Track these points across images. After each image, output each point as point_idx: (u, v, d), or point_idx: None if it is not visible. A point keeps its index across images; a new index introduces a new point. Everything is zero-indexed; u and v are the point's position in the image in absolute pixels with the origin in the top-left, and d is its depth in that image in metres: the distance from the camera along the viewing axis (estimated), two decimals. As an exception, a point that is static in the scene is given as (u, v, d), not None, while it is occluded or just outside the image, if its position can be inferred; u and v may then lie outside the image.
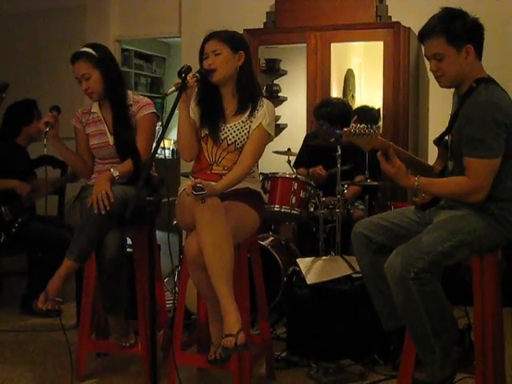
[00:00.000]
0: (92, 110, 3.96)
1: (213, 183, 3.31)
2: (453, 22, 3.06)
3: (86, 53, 3.83)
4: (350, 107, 5.61)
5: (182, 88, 3.25)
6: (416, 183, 3.08)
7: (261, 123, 3.43)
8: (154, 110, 3.93)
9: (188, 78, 3.27)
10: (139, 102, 3.93)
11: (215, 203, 3.16)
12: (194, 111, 3.52)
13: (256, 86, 3.55)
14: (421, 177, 3.11)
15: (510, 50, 5.96)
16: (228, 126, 3.47)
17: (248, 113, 3.46)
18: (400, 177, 3.11)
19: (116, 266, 3.61)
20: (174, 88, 3.28)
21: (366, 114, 5.62)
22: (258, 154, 3.48)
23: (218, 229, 3.11)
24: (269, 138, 3.51)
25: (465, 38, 3.06)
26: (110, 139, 3.87)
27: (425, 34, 3.14)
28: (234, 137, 3.45)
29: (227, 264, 3.11)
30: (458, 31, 3.06)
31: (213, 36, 3.45)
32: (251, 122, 3.45)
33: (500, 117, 2.96)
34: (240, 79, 3.48)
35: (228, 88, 3.50)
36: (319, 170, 5.22)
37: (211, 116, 3.48)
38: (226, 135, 3.46)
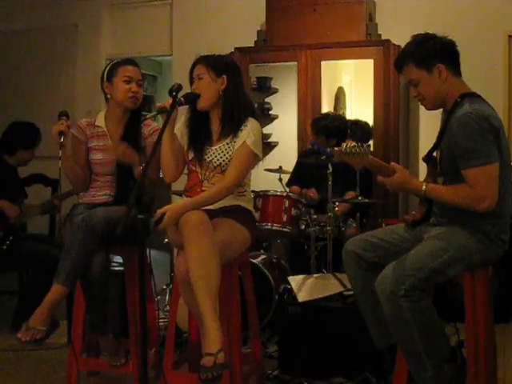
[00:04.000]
0: (96, 124, 3.91)
1: (185, 200, 3.42)
2: (418, 47, 3.17)
3: None
4: (347, 122, 5.63)
5: (170, 110, 3.29)
6: (424, 187, 3.10)
7: (245, 141, 3.42)
8: None
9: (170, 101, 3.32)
10: (150, 126, 3.94)
11: (202, 221, 3.18)
12: (182, 134, 3.56)
13: (242, 108, 3.52)
14: (428, 182, 3.14)
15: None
16: (213, 148, 3.49)
17: (232, 134, 3.46)
18: (407, 180, 3.13)
19: (99, 286, 3.60)
20: (154, 112, 3.37)
21: (358, 127, 5.67)
22: (242, 172, 3.44)
23: (203, 246, 3.12)
24: (255, 159, 3.49)
25: (433, 59, 3.14)
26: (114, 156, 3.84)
27: (397, 63, 3.28)
28: (218, 159, 3.46)
29: (212, 280, 3.10)
30: (424, 54, 3.15)
31: (199, 61, 3.52)
32: (235, 142, 3.45)
33: (486, 124, 2.99)
34: (224, 103, 3.50)
35: (214, 111, 3.53)
36: (311, 193, 5.24)
37: (197, 139, 3.51)
38: (210, 158, 3.47)
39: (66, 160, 3.74)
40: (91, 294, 3.63)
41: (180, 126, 3.57)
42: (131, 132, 3.88)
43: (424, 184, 3.11)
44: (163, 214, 3.19)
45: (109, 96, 3.89)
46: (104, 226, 3.53)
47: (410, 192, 3.24)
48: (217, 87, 3.48)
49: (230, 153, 3.44)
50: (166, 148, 3.48)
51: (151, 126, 3.94)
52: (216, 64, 3.49)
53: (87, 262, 3.53)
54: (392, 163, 3.19)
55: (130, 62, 3.93)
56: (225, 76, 3.49)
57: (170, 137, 3.47)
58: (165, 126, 3.25)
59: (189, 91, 3.48)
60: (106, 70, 3.90)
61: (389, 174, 3.17)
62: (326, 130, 5.31)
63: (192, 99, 3.46)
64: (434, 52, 3.14)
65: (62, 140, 3.62)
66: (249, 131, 3.43)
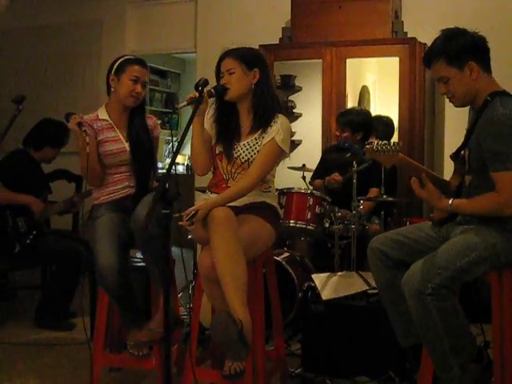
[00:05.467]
0: (101, 117, 3.89)
1: (212, 197, 3.38)
2: (449, 43, 3.10)
3: None
4: (372, 116, 5.59)
5: (199, 101, 3.24)
6: (449, 205, 3.10)
7: (273, 138, 3.37)
8: None
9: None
10: (152, 118, 4.01)
11: (228, 217, 3.16)
12: (211, 127, 3.52)
13: (272, 103, 3.47)
14: (454, 199, 3.12)
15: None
16: (241, 143, 3.44)
17: (261, 130, 3.42)
18: (434, 201, 3.15)
19: (116, 292, 3.62)
20: (185, 102, 3.28)
21: (380, 122, 5.65)
22: (267, 167, 3.40)
23: (230, 242, 3.10)
24: (282, 155, 3.45)
25: (464, 56, 3.08)
26: (126, 145, 3.86)
27: (426, 59, 3.22)
28: (246, 155, 3.41)
29: (240, 276, 3.09)
30: (456, 51, 3.08)
31: (228, 54, 3.43)
32: (263, 138, 3.40)
33: None
34: (255, 96, 3.44)
35: (244, 105, 3.47)
36: (335, 176, 5.20)
37: (226, 134, 3.45)
38: (239, 153, 3.43)
39: (84, 150, 3.69)
40: (116, 298, 3.67)
41: (208, 118, 3.51)
42: (137, 122, 3.91)
43: (449, 204, 3.11)
44: (196, 212, 3.17)
45: (113, 89, 3.89)
46: (115, 277, 3.56)
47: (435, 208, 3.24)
48: (249, 81, 3.42)
49: (258, 148, 3.40)
50: (196, 141, 3.43)
51: (152, 118, 4.02)
52: (247, 57, 3.42)
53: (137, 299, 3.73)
54: (424, 178, 3.16)
55: (141, 62, 3.93)
56: (257, 69, 3.43)
57: (201, 129, 3.42)
58: (192, 117, 3.20)
59: (216, 85, 3.41)
60: (116, 63, 3.89)
61: (417, 175, 3.16)
62: (351, 124, 5.28)
63: (222, 92, 3.39)
64: (465, 49, 3.08)
65: (84, 129, 3.67)
66: (278, 127, 3.38)
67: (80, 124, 3.66)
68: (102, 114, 3.91)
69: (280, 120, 3.41)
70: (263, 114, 3.42)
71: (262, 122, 3.42)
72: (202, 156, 3.47)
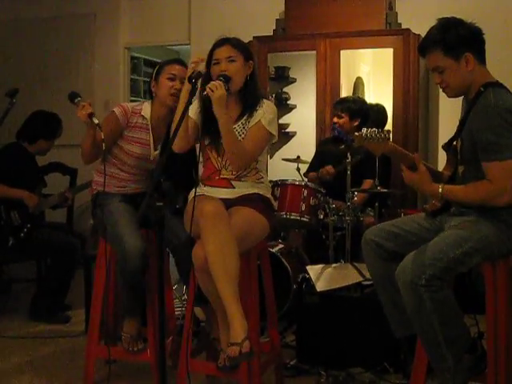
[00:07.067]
0: (143, 114, 3.82)
1: (205, 190, 3.41)
2: (447, 34, 3.07)
3: None
4: (367, 103, 5.60)
5: (192, 92, 3.23)
6: (440, 190, 3.08)
7: (259, 120, 3.37)
8: None
9: (216, 84, 3.22)
10: None
11: (218, 211, 3.17)
12: (198, 117, 3.46)
13: (258, 94, 3.48)
14: (444, 184, 3.11)
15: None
16: None
17: (247, 115, 3.41)
18: (424, 184, 3.13)
19: (138, 276, 3.60)
20: (196, 98, 3.27)
21: (373, 111, 5.66)
22: (256, 148, 3.39)
23: (220, 236, 3.11)
24: (270, 137, 3.44)
25: (461, 47, 3.06)
26: (152, 153, 3.83)
27: (422, 48, 3.18)
28: None
29: (231, 270, 3.09)
30: (453, 42, 3.06)
31: (227, 41, 3.41)
32: (249, 122, 3.40)
33: (510, 117, 2.94)
34: (247, 88, 3.44)
35: (232, 96, 3.44)
36: (328, 168, 5.20)
37: (213, 125, 3.37)
38: None
39: (95, 143, 3.58)
40: (128, 284, 3.66)
41: (195, 108, 3.47)
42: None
43: (440, 187, 3.09)
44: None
45: (154, 94, 3.85)
46: (140, 259, 3.55)
47: (425, 193, 3.22)
48: (245, 72, 3.41)
49: (246, 133, 3.40)
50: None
51: None
52: (245, 48, 3.44)
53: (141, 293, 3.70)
54: (416, 158, 3.15)
55: (178, 61, 3.92)
56: (251, 61, 3.44)
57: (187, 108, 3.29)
58: (186, 109, 3.17)
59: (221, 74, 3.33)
60: (155, 69, 3.88)
61: (409, 164, 3.15)
62: (349, 109, 5.29)
63: (228, 81, 3.32)
64: (463, 40, 3.05)
65: (97, 122, 3.49)
66: (264, 111, 3.39)
67: (91, 115, 3.47)
68: (146, 111, 3.84)
69: (265, 104, 3.42)
70: (251, 105, 3.42)
71: (248, 110, 3.42)
72: (182, 133, 3.37)
